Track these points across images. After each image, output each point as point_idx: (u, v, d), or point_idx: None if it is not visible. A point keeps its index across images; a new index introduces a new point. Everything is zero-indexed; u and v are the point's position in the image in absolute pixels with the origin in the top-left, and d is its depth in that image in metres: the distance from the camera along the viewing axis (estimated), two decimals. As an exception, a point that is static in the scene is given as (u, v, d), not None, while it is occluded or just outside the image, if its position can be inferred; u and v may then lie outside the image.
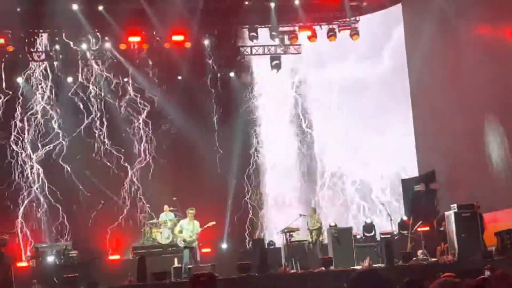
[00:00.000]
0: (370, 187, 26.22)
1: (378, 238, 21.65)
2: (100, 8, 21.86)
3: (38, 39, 22.74)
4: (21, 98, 23.53)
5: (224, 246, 22.62)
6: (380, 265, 18.53)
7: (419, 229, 19.81)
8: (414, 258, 18.54)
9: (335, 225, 21.57)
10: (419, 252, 18.94)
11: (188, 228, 19.00)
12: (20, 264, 20.52)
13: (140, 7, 21.80)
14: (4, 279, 17.15)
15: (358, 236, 21.89)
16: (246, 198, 24.69)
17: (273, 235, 23.00)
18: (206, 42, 23.54)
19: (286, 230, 20.55)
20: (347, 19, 23.78)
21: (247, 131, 25.43)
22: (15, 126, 23.39)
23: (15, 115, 23.42)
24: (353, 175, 26.31)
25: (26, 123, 23.58)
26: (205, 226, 19.81)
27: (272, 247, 21.53)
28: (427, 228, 19.96)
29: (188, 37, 22.96)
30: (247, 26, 23.72)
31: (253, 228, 24.46)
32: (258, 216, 24.72)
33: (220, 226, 22.72)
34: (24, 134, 23.63)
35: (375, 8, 24.35)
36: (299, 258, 19.43)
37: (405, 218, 22.47)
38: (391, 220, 20.53)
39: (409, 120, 24.80)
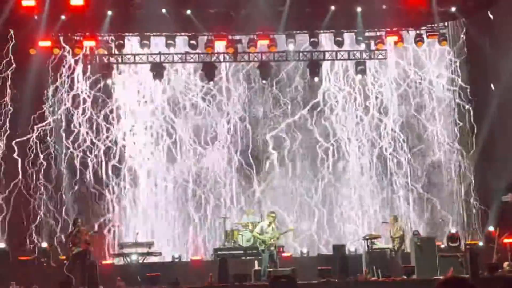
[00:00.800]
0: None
1: (463, 249, 21.15)
2: (188, 12, 22.19)
3: (128, 42, 23.25)
4: (110, 100, 24.05)
5: (304, 250, 22.57)
6: (464, 276, 18.11)
7: (505, 240, 19.30)
8: (500, 270, 18.07)
9: (418, 234, 21.21)
10: (506, 263, 18.45)
11: (268, 231, 19.11)
12: (105, 262, 21.07)
13: (227, 11, 22.03)
14: (91, 276, 17.64)
15: (442, 246, 21.45)
16: (327, 203, 24.49)
17: (354, 242, 22.78)
18: (291, 46, 23.49)
19: (367, 237, 20.42)
20: (435, 25, 23.33)
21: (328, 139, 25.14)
22: (106, 126, 23.91)
23: (105, 116, 23.94)
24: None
25: (116, 125, 24.05)
26: (284, 231, 19.99)
27: (353, 253, 21.38)
28: (515, 240, 19.43)
29: (273, 41, 23.03)
30: (332, 30, 23.58)
31: (334, 234, 24.24)
32: (339, 221, 24.49)
33: (301, 230, 22.67)
34: (126, 137, 24.08)
35: (464, 14, 23.72)
36: (380, 266, 19.22)
37: (491, 228, 21.89)
38: None
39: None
